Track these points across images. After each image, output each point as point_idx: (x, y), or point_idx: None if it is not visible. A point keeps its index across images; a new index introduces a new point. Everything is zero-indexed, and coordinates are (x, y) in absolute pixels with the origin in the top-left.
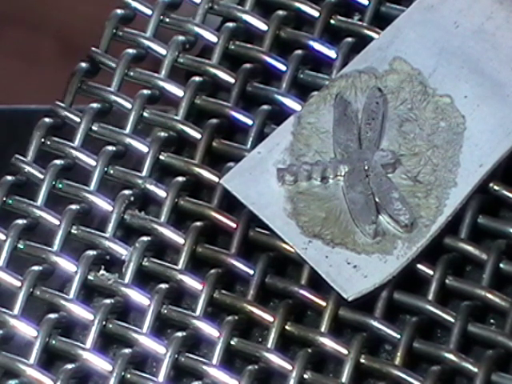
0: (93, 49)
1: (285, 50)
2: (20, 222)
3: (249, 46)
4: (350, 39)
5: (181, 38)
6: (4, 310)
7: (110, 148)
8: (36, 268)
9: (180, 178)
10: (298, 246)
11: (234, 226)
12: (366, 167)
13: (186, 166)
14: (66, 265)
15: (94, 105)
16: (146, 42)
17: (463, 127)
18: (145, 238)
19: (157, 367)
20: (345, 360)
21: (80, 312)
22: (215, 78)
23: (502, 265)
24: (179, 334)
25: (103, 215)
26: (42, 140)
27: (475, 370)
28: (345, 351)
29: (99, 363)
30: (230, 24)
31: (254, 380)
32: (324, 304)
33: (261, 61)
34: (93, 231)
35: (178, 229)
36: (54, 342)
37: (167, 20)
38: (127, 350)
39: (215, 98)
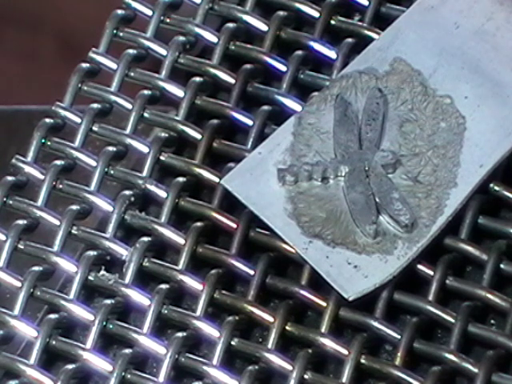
0: (93, 49)
1: (285, 50)
2: (20, 222)
3: (249, 46)
4: (350, 40)
5: (181, 38)
6: (4, 310)
7: (111, 148)
8: (36, 268)
9: (180, 179)
10: (299, 246)
11: (235, 226)
12: (367, 167)
13: (187, 167)
14: (67, 265)
15: (95, 105)
16: (147, 43)
17: (463, 128)
18: (145, 239)
19: (157, 367)
20: (345, 360)
21: (80, 312)
22: (215, 79)
23: (502, 265)
24: (179, 334)
25: (104, 215)
26: (43, 140)
27: (475, 370)
28: (345, 351)
29: (100, 363)
30: (231, 24)
31: (255, 380)
32: (324, 304)
33: (261, 61)
34: (93, 231)
35: (178, 229)
36: (54, 342)
37: (168, 20)
38: (127, 351)
39: (216, 98)
